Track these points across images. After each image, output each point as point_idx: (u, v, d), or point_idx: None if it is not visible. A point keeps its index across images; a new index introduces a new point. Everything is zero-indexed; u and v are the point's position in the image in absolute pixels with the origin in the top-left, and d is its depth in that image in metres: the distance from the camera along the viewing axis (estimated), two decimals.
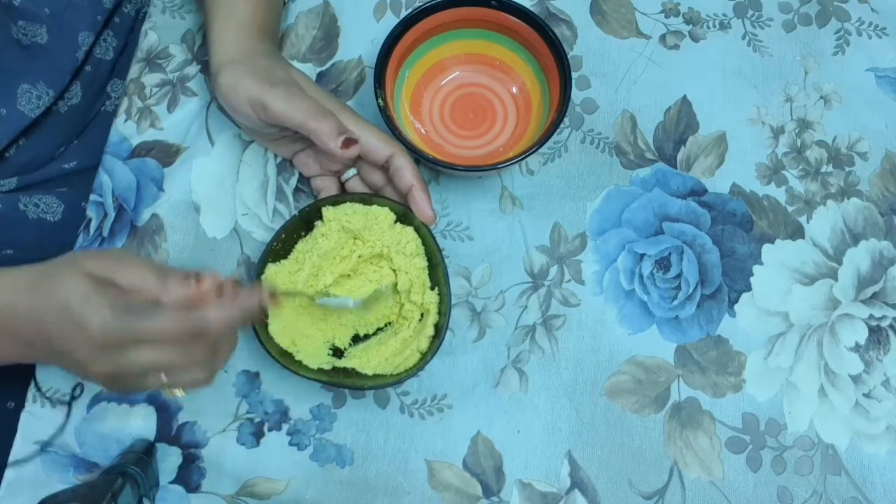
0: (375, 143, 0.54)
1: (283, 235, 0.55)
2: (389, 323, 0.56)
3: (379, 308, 0.56)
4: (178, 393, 0.47)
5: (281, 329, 0.53)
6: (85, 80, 0.66)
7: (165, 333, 0.43)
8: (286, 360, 0.53)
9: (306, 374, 0.53)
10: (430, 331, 0.54)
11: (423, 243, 0.55)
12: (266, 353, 0.52)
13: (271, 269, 0.54)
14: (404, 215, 0.55)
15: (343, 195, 0.56)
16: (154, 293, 0.44)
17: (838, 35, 0.67)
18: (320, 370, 0.53)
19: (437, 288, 0.55)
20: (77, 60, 0.63)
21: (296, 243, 0.56)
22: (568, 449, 0.56)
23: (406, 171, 0.54)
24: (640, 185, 0.62)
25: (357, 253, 0.55)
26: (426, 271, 0.55)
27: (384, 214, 0.55)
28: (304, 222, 0.55)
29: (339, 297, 0.55)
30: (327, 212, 0.55)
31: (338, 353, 0.55)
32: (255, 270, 0.54)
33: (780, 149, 0.63)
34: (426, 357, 0.53)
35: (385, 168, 0.55)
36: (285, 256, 0.55)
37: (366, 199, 0.55)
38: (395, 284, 0.56)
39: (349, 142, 0.52)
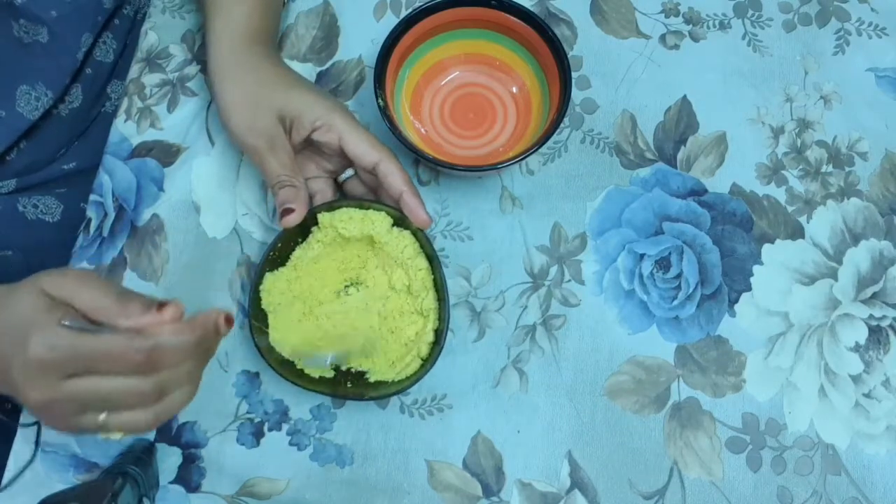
0: (362, 150, 0.53)
1: (280, 244, 0.55)
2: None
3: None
4: (116, 436, 0.42)
5: (282, 338, 0.53)
6: (86, 83, 0.66)
7: (108, 355, 0.40)
8: (288, 370, 0.53)
9: (310, 387, 0.53)
10: (430, 336, 0.53)
11: (421, 247, 0.55)
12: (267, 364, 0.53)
13: (269, 279, 0.54)
14: (401, 219, 0.55)
15: (339, 201, 0.56)
16: (111, 316, 0.41)
17: (838, 35, 0.67)
18: (322, 378, 0.53)
19: (435, 293, 0.54)
20: (77, 62, 0.63)
21: (293, 251, 0.55)
22: (568, 449, 0.56)
23: (394, 177, 0.53)
24: (640, 185, 0.62)
25: (355, 253, 0.55)
26: (429, 273, 0.55)
27: (381, 219, 0.54)
28: (300, 229, 0.55)
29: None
30: (323, 217, 0.54)
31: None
32: (253, 280, 0.54)
33: (780, 149, 0.63)
34: (427, 364, 0.53)
35: (374, 173, 0.55)
36: (283, 264, 0.55)
37: (362, 203, 0.55)
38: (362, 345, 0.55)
39: (284, 212, 0.53)
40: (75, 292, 0.42)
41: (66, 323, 0.40)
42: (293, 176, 0.53)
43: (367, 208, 0.54)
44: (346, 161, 0.56)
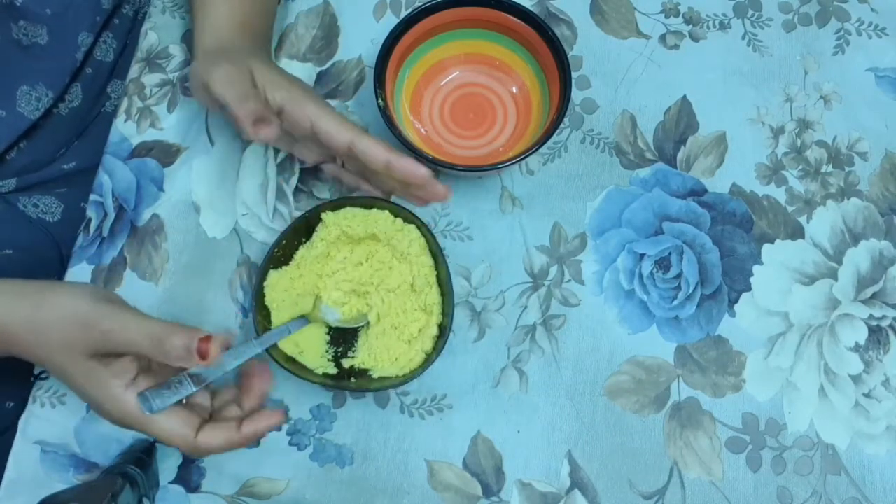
0: (332, 129, 0.50)
1: (284, 242, 0.55)
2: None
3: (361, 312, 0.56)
4: None
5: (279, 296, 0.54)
6: (85, 82, 0.66)
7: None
8: (292, 366, 0.53)
9: (314, 380, 0.53)
10: (434, 331, 0.54)
11: (427, 242, 0.55)
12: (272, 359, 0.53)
13: (273, 276, 0.54)
14: (405, 216, 0.55)
15: (343, 199, 0.56)
16: (155, 357, 0.46)
17: (838, 35, 0.67)
18: (326, 374, 0.53)
19: (439, 288, 0.55)
20: (76, 62, 0.63)
21: (296, 249, 0.56)
22: (568, 449, 0.56)
23: (374, 148, 0.49)
24: (640, 185, 0.62)
25: (364, 252, 0.56)
26: (433, 270, 0.55)
27: (384, 217, 0.55)
28: (304, 227, 0.55)
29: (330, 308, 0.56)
30: (327, 216, 0.55)
31: (342, 352, 0.55)
32: (257, 277, 0.54)
33: (780, 149, 0.63)
34: (431, 357, 0.53)
35: (349, 156, 0.51)
36: (287, 263, 0.55)
37: (366, 202, 0.55)
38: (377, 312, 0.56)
39: (259, 124, 0.50)
40: (117, 346, 0.46)
41: (155, 405, 0.47)
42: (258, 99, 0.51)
43: (371, 207, 0.55)
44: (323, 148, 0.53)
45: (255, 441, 0.50)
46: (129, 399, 0.46)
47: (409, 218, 0.55)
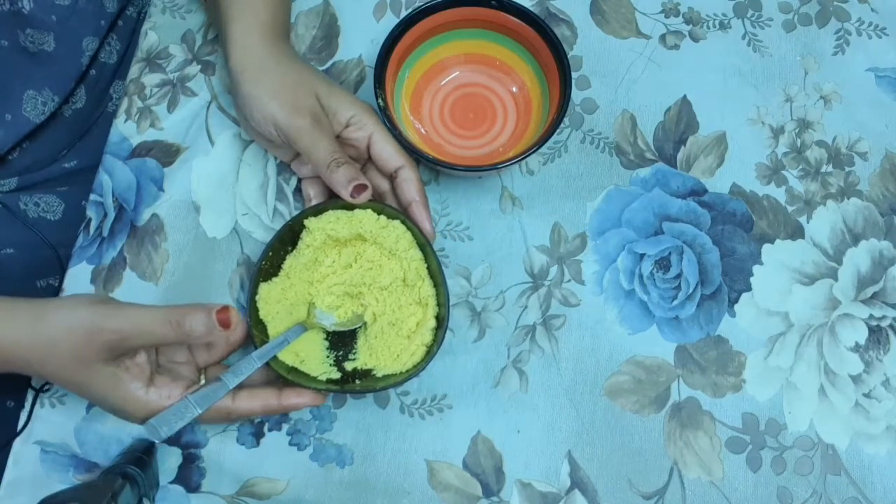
0: (389, 152, 0.55)
1: (271, 253, 0.55)
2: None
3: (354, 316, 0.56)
4: None
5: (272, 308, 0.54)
6: (89, 84, 0.66)
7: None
8: (295, 376, 0.53)
9: (319, 387, 0.53)
10: (432, 323, 0.54)
11: (413, 237, 0.55)
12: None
13: (264, 289, 0.54)
14: (388, 213, 0.55)
15: (325, 203, 0.56)
16: (178, 342, 0.47)
17: (838, 35, 0.67)
18: (330, 380, 0.53)
19: (431, 279, 0.55)
20: (82, 66, 0.64)
21: (284, 259, 0.55)
22: (568, 449, 0.56)
23: (411, 184, 0.55)
24: (640, 185, 0.62)
25: (352, 254, 0.56)
26: (422, 263, 0.55)
27: (368, 216, 0.55)
28: (289, 236, 0.55)
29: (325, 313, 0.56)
30: (311, 223, 0.54)
31: (343, 356, 0.55)
32: (249, 293, 0.54)
33: (780, 149, 0.63)
34: (432, 350, 0.53)
35: (392, 178, 0.56)
36: (276, 274, 0.55)
37: (347, 204, 0.55)
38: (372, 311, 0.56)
39: (360, 188, 0.52)
40: (129, 340, 0.46)
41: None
42: (344, 154, 0.53)
43: (353, 207, 0.55)
44: (361, 163, 0.56)
45: (288, 412, 0.53)
46: (151, 398, 0.47)
47: (393, 214, 0.55)
